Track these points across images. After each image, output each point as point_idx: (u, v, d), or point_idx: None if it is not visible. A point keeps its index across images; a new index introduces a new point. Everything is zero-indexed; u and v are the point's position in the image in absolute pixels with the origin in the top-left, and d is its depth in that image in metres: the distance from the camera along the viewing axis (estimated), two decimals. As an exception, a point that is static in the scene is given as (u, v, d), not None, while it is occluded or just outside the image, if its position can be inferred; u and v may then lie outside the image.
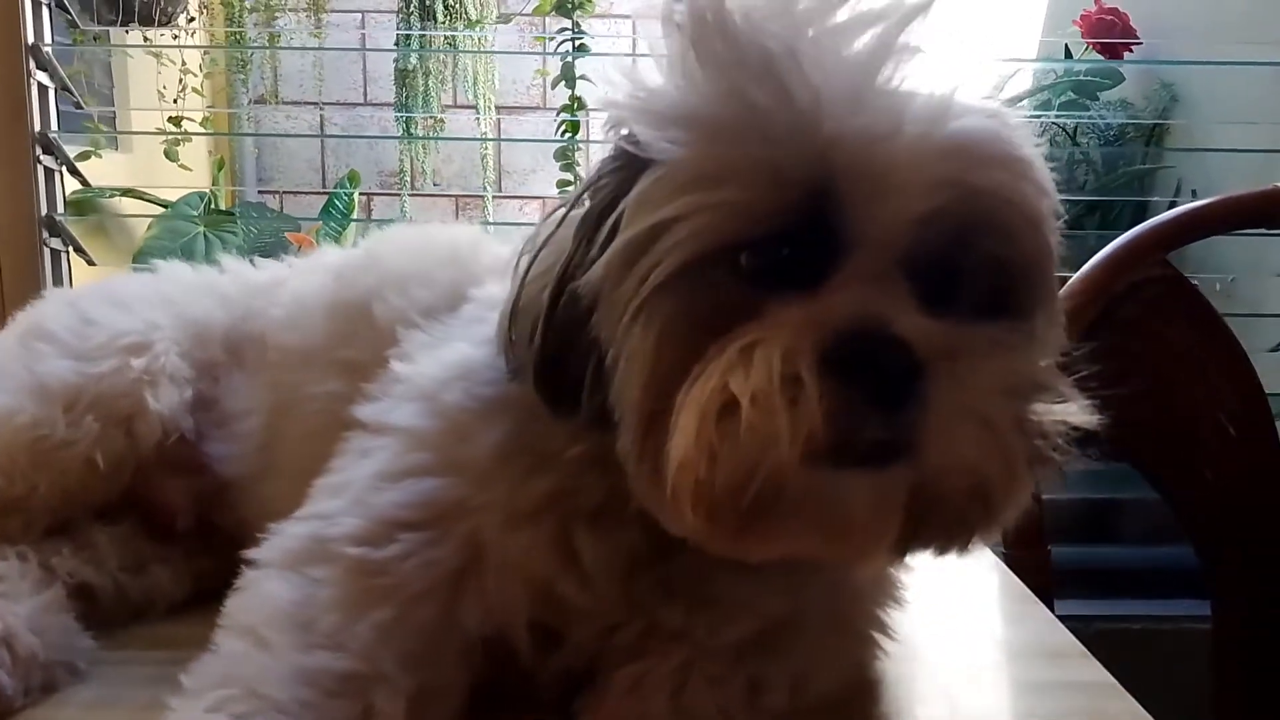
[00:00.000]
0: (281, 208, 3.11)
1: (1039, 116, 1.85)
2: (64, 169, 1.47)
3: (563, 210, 0.47)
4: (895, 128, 0.40)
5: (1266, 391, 0.97)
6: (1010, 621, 0.66)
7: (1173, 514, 0.99)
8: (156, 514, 0.64)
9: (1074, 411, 0.43)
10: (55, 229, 1.44)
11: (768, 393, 0.38)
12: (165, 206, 2.31)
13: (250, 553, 0.49)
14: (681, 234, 0.41)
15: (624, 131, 0.44)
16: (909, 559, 0.46)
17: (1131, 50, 1.75)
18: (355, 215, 2.64)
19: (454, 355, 0.53)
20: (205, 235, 2.36)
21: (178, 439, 0.63)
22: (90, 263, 1.56)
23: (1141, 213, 1.84)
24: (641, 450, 0.41)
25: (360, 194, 2.89)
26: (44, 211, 1.41)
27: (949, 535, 0.43)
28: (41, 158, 1.40)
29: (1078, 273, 0.97)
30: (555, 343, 0.45)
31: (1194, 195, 1.72)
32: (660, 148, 0.42)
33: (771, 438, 0.38)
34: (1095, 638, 1.41)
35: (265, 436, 0.63)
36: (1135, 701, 0.53)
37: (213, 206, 2.53)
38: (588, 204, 0.46)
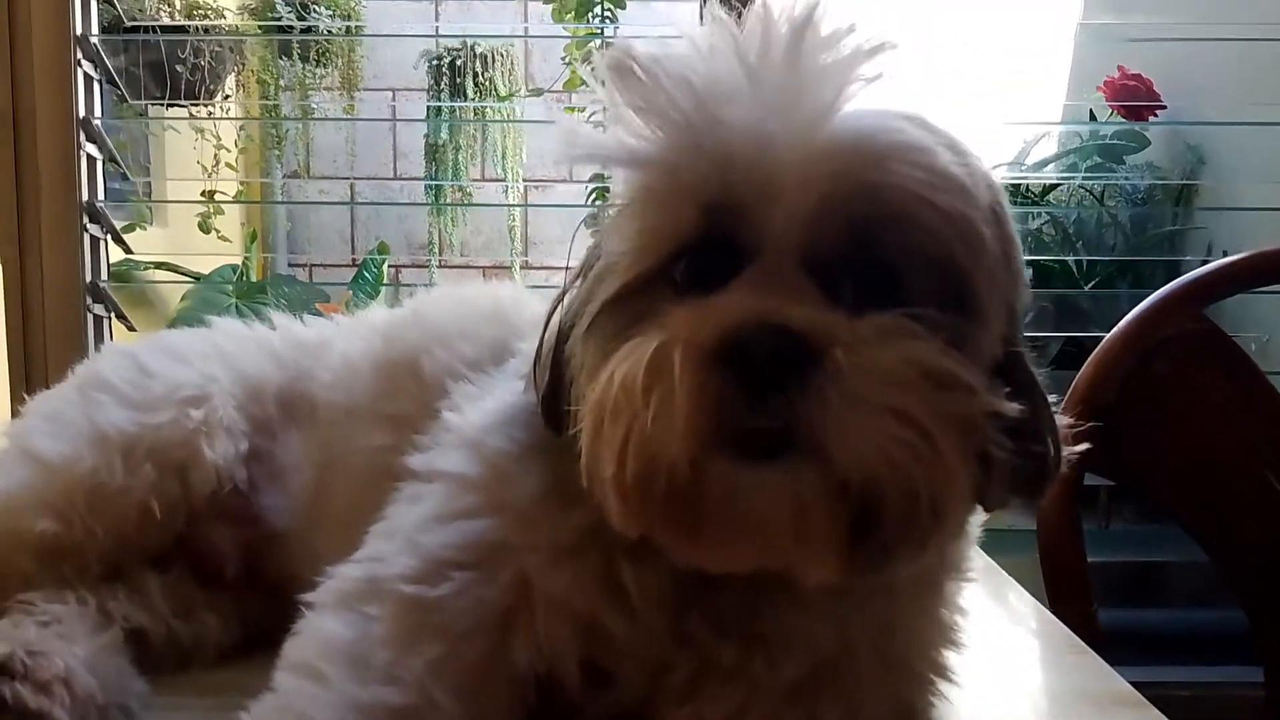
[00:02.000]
0: (311, 278, 3.17)
1: (1068, 179, 1.87)
2: (109, 237, 1.52)
3: (576, 268, 0.51)
4: (782, 132, 0.42)
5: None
6: (1063, 671, 0.65)
7: (1218, 574, 0.98)
8: (206, 561, 0.65)
9: (998, 400, 0.42)
10: (99, 295, 1.48)
11: (636, 384, 0.40)
12: (196, 279, 2.38)
13: (307, 596, 0.50)
14: (626, 257, 0.45)
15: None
16: (878, 560, 0.43)
17: (1156, 114, 1.77)
18: (384, 285, 2.70)
19: (496, 404, 0.54)
20: (238, 307, 2.42)
21: (231, 489, 0.65)
22: (131, 329, 1.59)
23: (1173, 272, 1.84)
24: (585, 452, 0.43)
25: (390, 265, 2.95)
26: (89, 279, 1.45)
27: (901, 531, 0.41)
28: (88, 226, 1.45)
29: (1113, 329, 0.98)
30: (552, 375, 0.49)
31: (1224, 255, 1.73)
32: (616, 189, 0.47)
33: (648, 429, 0.39)
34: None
35: (315, 490, 0.64)
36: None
37: (245, 278, 2.60)
38: (586, 253, 0.50)
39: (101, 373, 0.67)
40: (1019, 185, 1.86)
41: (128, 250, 1.67)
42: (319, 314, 2.47)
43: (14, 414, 0.68)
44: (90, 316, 1.45)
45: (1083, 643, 0.66)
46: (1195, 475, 0.97)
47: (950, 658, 0.53)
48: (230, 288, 2.43)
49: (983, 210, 0.43)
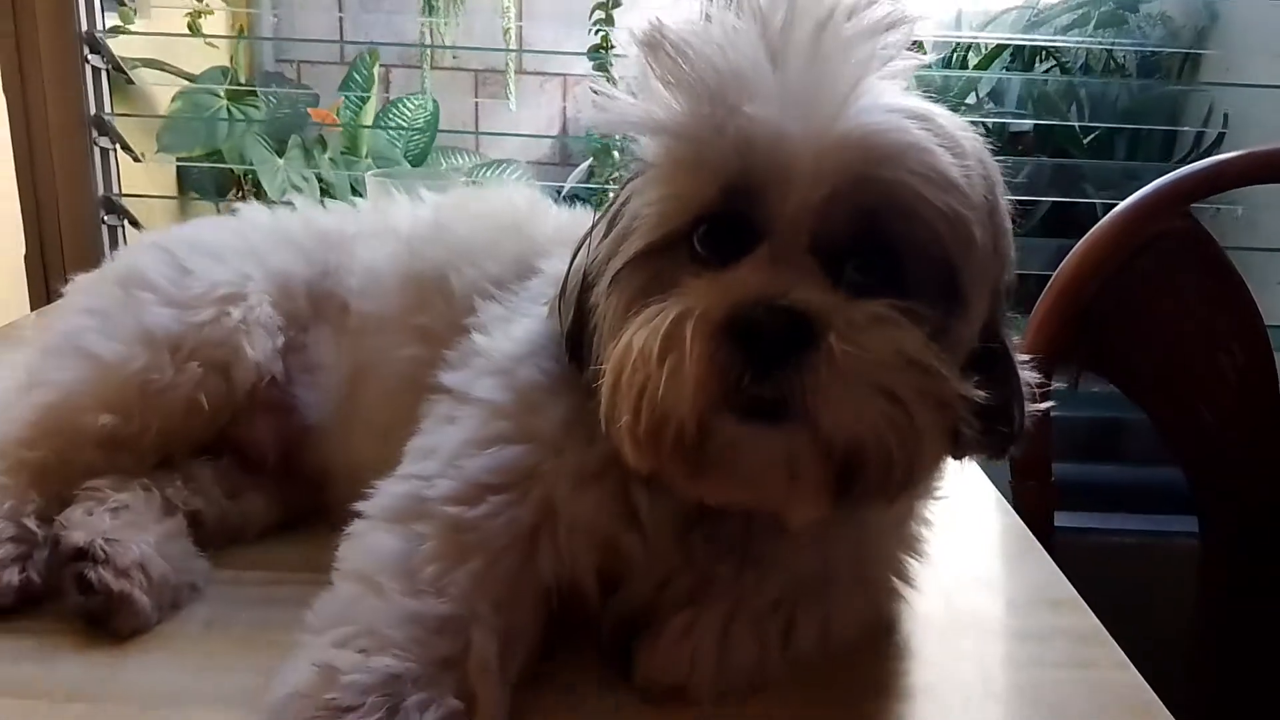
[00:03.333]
0: (300, 77, 3.11)
1: (1070, 43, 1.84)
2: (110, 68, 1.50)
3: (598, 216, 0.56)
4: (798, 127, 0.45)
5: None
6: (1015, 570, 0.73)
7: (1166, 447, 1.06)
8: (249, 450, 0.71)
9: (968, 387, 0.47)
10: (103, 128, 1.48)
11: (652, 352, 0.45)
12: (190, 80, 2.33)
13: (358, 506, 0.56)
14: (650, 217, 0.50)
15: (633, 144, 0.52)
16: (857, 506, 0.49)
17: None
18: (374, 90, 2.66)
19: (524, 332, 0.59)
20: (229, 109, 2.40)
21: (269, 382, 0.70)
22: (136, 159, 1.60)
23: (1171, 137, 1.85)
24: (604, 401, 0.49)
25: (380, 65, 2.89)
26: (93, 112, 1.45)
27: (879, 487, 0.47)
28: (89, 57, 1.43)
29: (1100, 222, 1.02)
30: (576, 316, 0.54)
31: (1225, 120, 1.73)
32: (644, 152, 0.51)
33: (659, 390, 0.45)
34: (1092, 549, 1.51)
35: (347, 390, 0.69)
36: (1119, 649, 0.61)
37: (234, 80, 2.55)
38: (610, 206, 0.54)
39: (143, 270, 0.70)
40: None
41: (128, 79, 1.65)
42: (309, 119, 2.45)
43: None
44: (97, 150, 1.46)
45: (1036, 541, 0.74)
46: (1163, 364, 1.04)
47: (914, 566, 0.61)
48: (220, 90, 2.40)
49: (977, 209, 0.47)
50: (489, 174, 2.95)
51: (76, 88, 1.39)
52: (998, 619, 0.66)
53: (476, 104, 3.01)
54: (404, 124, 3.03)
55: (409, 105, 3.01)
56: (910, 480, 0.48)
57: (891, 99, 0.47)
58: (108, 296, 0.69)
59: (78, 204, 1.43)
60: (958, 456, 0.52)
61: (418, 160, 2.89)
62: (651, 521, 0.54)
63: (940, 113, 0.48)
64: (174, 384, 0.66)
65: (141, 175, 1.77)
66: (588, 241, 0.56)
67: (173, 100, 2.27)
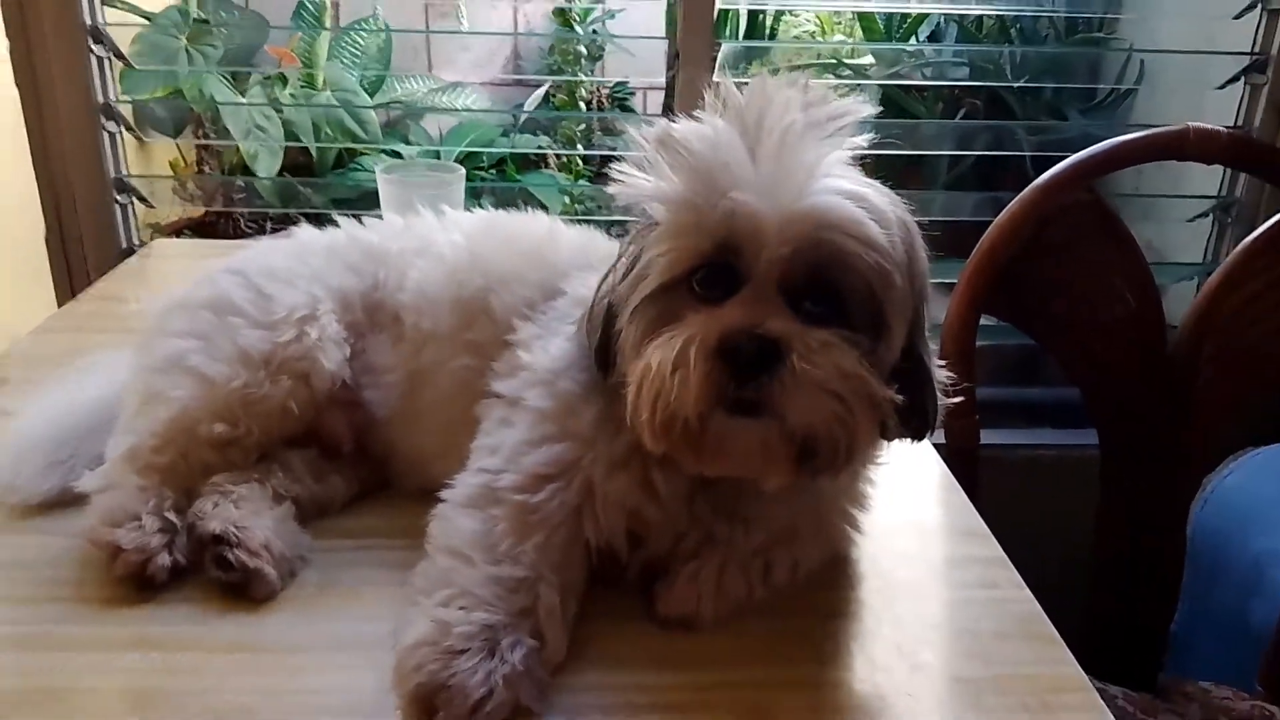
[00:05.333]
0: (247, 3, 3.13)
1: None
2: (111, 56, 1.58)
3: (618, 259, 0.72)
4: (769, 205, 0.63)
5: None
6: (934, 506, 0.93)
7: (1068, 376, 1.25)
8: (329, 440, 0.87)
9: (890, 392, 0.65)
10: (110, 114, 1.58)
11: (667, 367, 0.63)
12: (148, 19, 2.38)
13: (444, 494, 0.73)
14: (659, 266, 0.67)
15: (642, 209, 0.69)
16: (808, 479, 0.68)
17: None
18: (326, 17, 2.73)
19: (559, 350, 0.76)
20: (188, 51, 2.46)
21: (341, 385, 0.86)
22: (140, 140, 1.70)
23: (1095, 72, 2.00)
24: (631, 403, 0.66)
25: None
26: (100, 100, 1.54)
27: (828, 462, 0.65)
28: (94, 48, 1.52)
29: (1016, 197, 1.19)
30: (604, 333, 0.71)
31: (1141, 67, 1.90)
32: (654, 215, 0.67)
33: (672, 396, 0.63)
34: (1017, 462, 1.73)
35: (407, 391, 0.85)
36: (1017, 573, 0.80)
37: (187, 19, 2.59)
38: (625, 250, 0.71)
39: (229, 297, 0.85)
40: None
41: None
42: (269, 56, 2.54)
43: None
44: (106, 136, 1.56)
45: (957, 484, 0.93)
46: (1067, 313, 1.22)
47: (861, 517, 0.80)
48: (177, 30, 2.45)
49: (898, 263, 0.65)
50: (445, 97, 3.04)
51: (84, 78, 1.49)
52: (920, 551, 0.85)
53: (426, 18, 3.08)
54: (358, 54, 3.09)
55: (361, 35, 3.06)
56: (851, 458, 0.66)
57: (837, 183, 0.64)
58: (203, 322, 0.84)
59: (91, 186, 1.54)
60: (887, 439, 0.70)
61: (374, 88, 2.96)
62: (667, 494, 0.72)
63: (873, 192, 0.65)
64: (269, 395, 0.82)
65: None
66: (609, 277, 0.72)
67: (132, 43, 2.33)
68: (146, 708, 0.64)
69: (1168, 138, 1.19)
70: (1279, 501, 1.49)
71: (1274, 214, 1.22)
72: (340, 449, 0.88)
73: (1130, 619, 1.30)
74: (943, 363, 0.73)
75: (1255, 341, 1.21)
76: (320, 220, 0.98)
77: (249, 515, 0.78)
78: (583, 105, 2.53)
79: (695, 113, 0.68)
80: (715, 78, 0.69)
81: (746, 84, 0.67)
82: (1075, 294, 1.21)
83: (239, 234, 2.67)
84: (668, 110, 2.43)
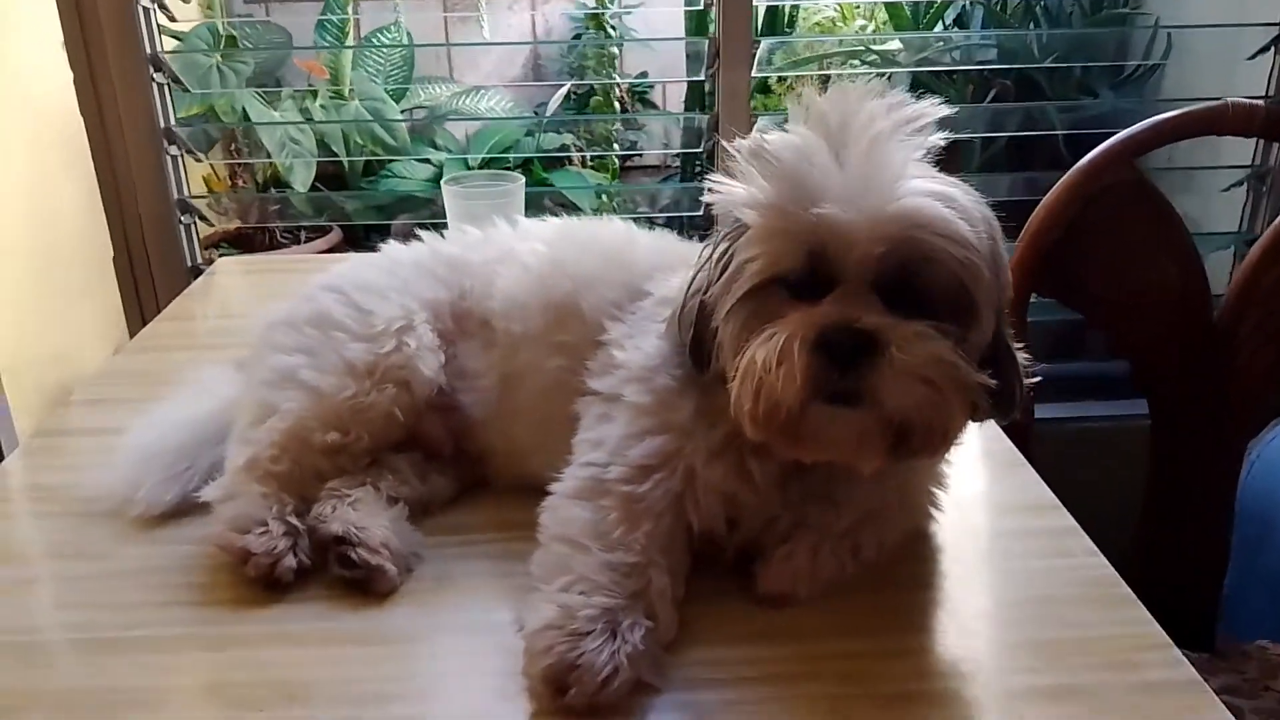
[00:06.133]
0: (268, 12, 3.20)
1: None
2: (170, 82, 1.64)
3: (704, 258, 0.77)
4: (856, 211, 0.67)
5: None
6: (1003, 481, 0.97)
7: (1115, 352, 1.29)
8: (430, 443, 0.92)
9: (982, 377, 0.69)
10: (172, 138, 1.64)
11: (771, 362, 0.67)
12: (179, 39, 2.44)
13: (552, 487, 0.79)
14: (753, 268, 0.71)
15: (733, 214, 0.73)
16: (903, 462, 0.72)
17: None
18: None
19: (653, 348, 0.81)
20: (219, 68, 2.52)
21: (439, 391, 0.91)
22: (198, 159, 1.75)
23: (1121, 51, 2.03)
24: (734, 395, 0.70)
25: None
26: (162, 124, 1.60)
27: (922, 447, 0.70)
28: (154, 75, 1.57)
29: (1061, 179, 1.23)
30: (697, 331, 0.76)
31: (1169, 41, 1.92)
32: (745, 220, 0.72)
33: (775, 388, 0.67)
34: (1068, 435, 1.76)
35: (502, 393, 0.91)
36: (1090, 540, 0.85)
37: (217, 37, 2.65)
38: (717, 251, 0.75)
39: (330, 313, 0.90)
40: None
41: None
42: (297, 70, 2.61)
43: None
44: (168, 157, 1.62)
45: (1023, 458, 0.97)
46: (1114, 290, 1.26)
47: (941, 495, 0.84)
48: (208, 48, 2.51)
49: (984, 257, 0.69)
50: (468, 101, 3.09)
51: (148, 104, 1.55)
52: (995, 524, 0.89)
53: (446, 25, 3.13)
54: (381, 62, 3.15)
55: (384, 41, 3.12)
56: (945, 441, 0.71)
57: (924, 184, 0.68)
58: (309, 337, 0.89)
59: (157, 208, 1.60)
60: (977, 421, 0.74)
61: (398, 94, 3.02)
62: (762, 481, 0.77)
63: (958, 192, 0.70)
64: (375, 403, 0.87)
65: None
66: (699, 275, 0.77)
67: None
68: (298, 696, 0.70)
69: (1206, 114, 1.22)
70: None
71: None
72: (441, 451, 0.93)
73: (1184, 583, 1.34)
74: (1020, 344, 0.77)
75: (1299, 308, 1.24)
76: (354, 229, 1.03)
77: (366, 516, 0.83)
78: (617, 105, 2.56)
79: (784, 124, 0.72)
80: (780, 84, 0.73)
81: (826, 92, 0.72)
82: (1120, 270, 1.25)
83: (275, 245, 2.73)
84: (701, 108, 2.48)
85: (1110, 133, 1.24)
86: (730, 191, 0.73)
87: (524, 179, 1.31)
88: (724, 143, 0.74)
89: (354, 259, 1.01)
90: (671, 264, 0.88)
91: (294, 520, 0.83)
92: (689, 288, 0.78)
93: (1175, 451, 1.30)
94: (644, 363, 0.80)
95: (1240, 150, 1.70)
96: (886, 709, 0.68)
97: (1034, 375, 0.77)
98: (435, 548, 0.86)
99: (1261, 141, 1.69)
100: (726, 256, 0.74)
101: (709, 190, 0.74)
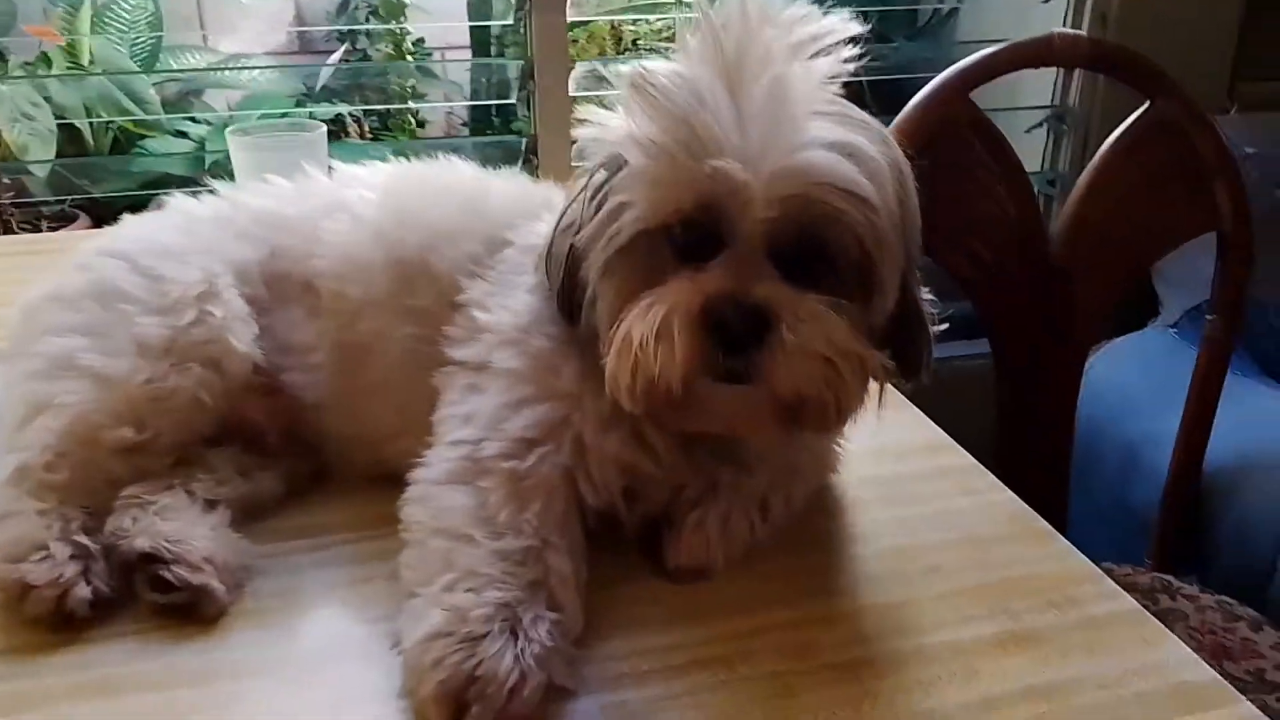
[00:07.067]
0: None
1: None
2: None
3: (576, 191, 0.66)
4: (755, 162, 0.58)
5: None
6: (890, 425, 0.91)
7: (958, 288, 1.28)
8: (249, 432, 0.77)
9: (882, 357, 0.62)
10: None
11: (649, 339, 0.59)
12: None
13: (415, 474, 0.65)
14: (633, 214, 0.61)
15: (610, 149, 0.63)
16: (801, 433, 0.66)
17: None
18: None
19: (524, 305, 0.69)
20: None
21: (254, 369, 0.75)
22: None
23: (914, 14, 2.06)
24: (609, 369, 0.61)
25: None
26: None
27: (816, 424, 0.62)
28: None
29: (897, 116, 1.20)
30: (566, 277, 0.65)
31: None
32: (625, 157, 0.61)
33: (653, 367, 0.58)
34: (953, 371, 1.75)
35: (340, 368, 0.76)
36: (993, 475, 0.81)
37: None
38: (592, 183, 0.65)
39: (113, 282, 0.73)
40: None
41: None
42: (28, 37, 2.30)
43: None
44: None
45: (907, 400, 0.92)
46: (955, 224, 1.25)
47: (838, 452, 0.78)
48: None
49: (890, 216, 0.61)
50: (232, 73, 2.82)
51: None
52: (893, 469, 0.83)
53: None
54: (124, 25, 2.83)
55: (126, 4, 2.80)
56: (841, 417, 0.63)
57: (825, 134, 0.59)
58: (88, 314, 0.72)
59: None
60: (879, 386, 0.66)
61: (147, 62, 2.72)
62: (663, 448, 0.67)
63: (864, 139, 0.60)
64: (177, 388, 0.71)
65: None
66: (572, 211, 0.66)
67: None
68: (116, 766, 0.54)
69: (1034, 45, 1.22)
70: (1144, 388, 1.60)
71: (1106, 119, 1.28)
72: (265, 441, 0.77)
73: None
74: (926, 290, 0.70)
75: (1127, 234, 1.27)
76: (103, 215, 0.85)
77: (180, 526, 0.67)
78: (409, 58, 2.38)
79: (669, 50, 0.62)
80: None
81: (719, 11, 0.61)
82: (963, 207, 1.23)
83: (9, 233, 2.39)
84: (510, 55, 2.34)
85: (910, 78, 1.22)
86: (608, 124, 0.63)
87: (325, 127, 1.15)
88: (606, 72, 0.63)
89: (134, 219, 0.83)
90: (534, 209, 0.76)
91: (83, 539, 0.66)
92: (558, 224, 0.67)
93: (1019, 387, 1.31)
94: (514, 322, 0.69)
95: (1039, 92, 1.75)
96: (835, 682, 0.60)
97: (939, 322, 0.70)
98: (274, 557, 0.71)
99: (1060, 82, 1.74)
100: (602, 194, 0.64)
101: (580, 122, 0.63)
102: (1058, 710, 0.58)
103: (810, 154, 0.58)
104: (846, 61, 0.62)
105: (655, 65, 0.61)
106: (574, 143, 0.67)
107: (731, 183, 0.58)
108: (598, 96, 1.60)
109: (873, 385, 0.64)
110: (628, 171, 0.61)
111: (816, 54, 0.61)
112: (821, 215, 0.59)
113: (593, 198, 0.64)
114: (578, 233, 0.65)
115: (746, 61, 0.59)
